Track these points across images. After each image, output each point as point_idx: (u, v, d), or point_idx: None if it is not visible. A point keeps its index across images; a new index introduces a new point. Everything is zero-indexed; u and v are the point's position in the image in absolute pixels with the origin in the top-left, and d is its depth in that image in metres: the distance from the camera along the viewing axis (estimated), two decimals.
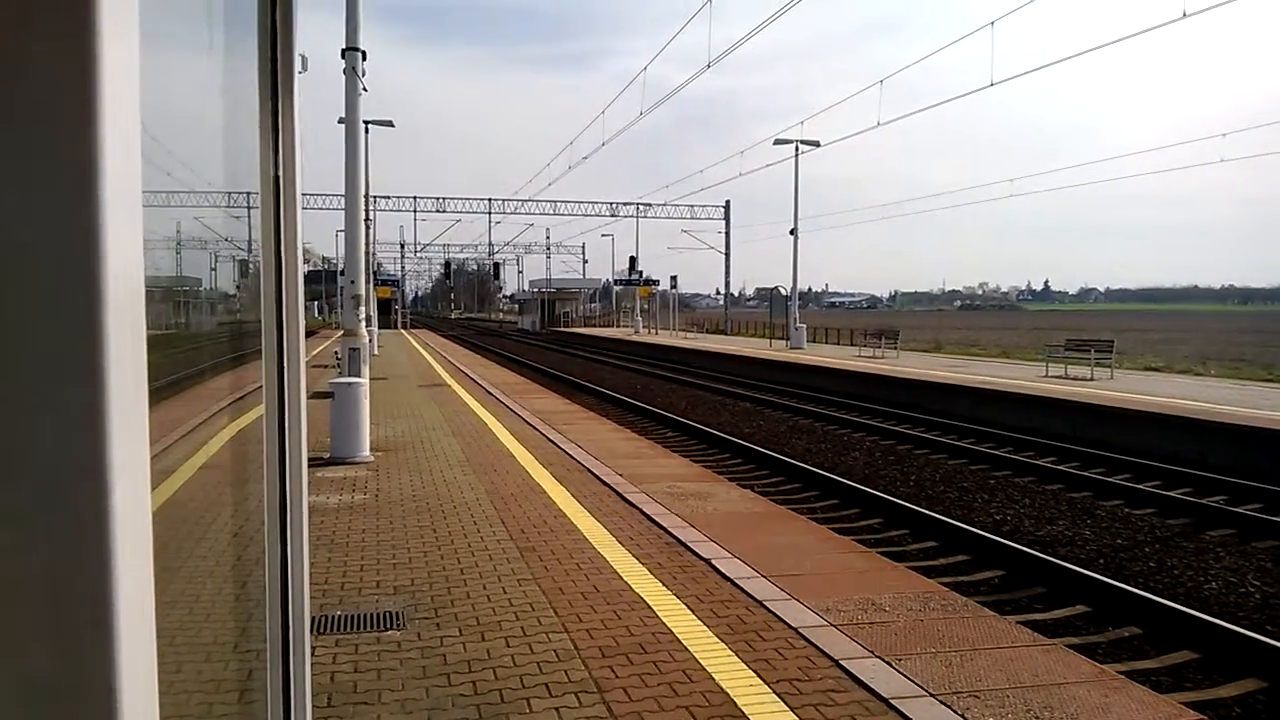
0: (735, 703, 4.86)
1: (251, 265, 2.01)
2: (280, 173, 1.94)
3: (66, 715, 0.70)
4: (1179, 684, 7.15)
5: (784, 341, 45.09)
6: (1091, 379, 24.77)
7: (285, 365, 1.95)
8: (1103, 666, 5.78)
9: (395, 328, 70.90)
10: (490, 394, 21.42)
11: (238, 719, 2.64)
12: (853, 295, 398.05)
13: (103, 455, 0.70)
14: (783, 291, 48.80)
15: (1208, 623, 7.90)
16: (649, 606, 6.37)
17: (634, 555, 7.62)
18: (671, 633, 5.87)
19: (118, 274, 0.71)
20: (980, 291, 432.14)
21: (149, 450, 0.79)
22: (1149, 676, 7.09)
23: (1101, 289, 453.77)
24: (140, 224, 0.77)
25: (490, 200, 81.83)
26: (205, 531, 2.58)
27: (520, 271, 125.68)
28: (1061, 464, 16.04)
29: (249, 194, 2.02)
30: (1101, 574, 9.43)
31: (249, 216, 2.02)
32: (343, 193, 15.14)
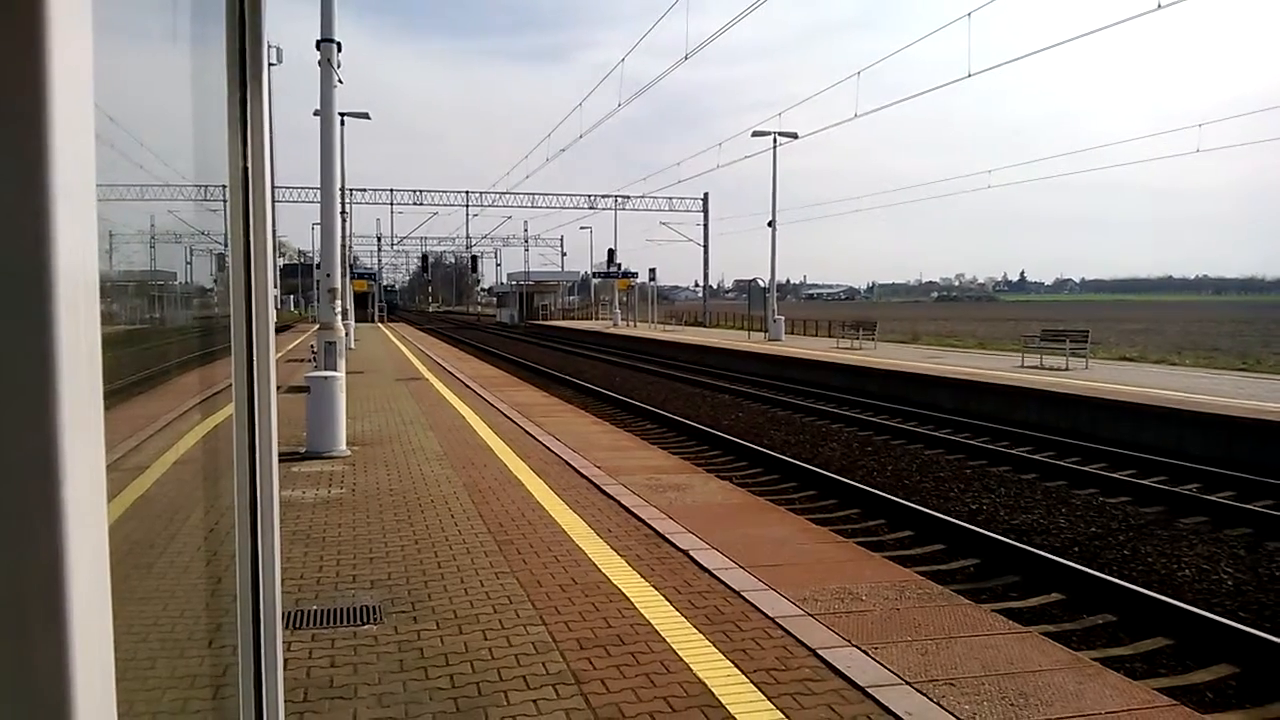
0: (713, 693, 4.88)
1: (228, 259, 1.99)
2: (250, 164, 1.93)
3: (19, 714, 0.70)
4: (1153, 670, 7.23)
5: (762, 333, 45.17)
6: (1067, 369, 24.96)
7: (255, 360, 1.93)
8: (1077, 654, 5.83)
9: (372, 321, 70.56)
10: (468, 387, 21.35)
11: (211, 715, 2.62)
12: (831, 287, 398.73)
13: (54, 454, 0.69)
14: (761, 283, 48.82)
15: (1181, 610, 7.99)
16: (627, 598, 6.38)
17: (612, 547, 7.62)
18: (649, 624, 5.88)
19: (69, 270, 0.70)
20: (957, 283, 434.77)
21: (104, 447, 0.78)
22: (1123, 663, 7.16)
23: (1077, 280, 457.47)
24: (94, 219, 0.76)
25: (468, 193, 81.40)
26: (179, 528, 2.57)
27: (498, 264, 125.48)
28: (1036, 453, 16.16)
29: (223, 187, 2.00)
30: (1076, 562, 9.51)
31: (225, 210, 2.00)
32: (318, 185, 15.04)
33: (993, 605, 7.85)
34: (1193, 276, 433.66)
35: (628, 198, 77.17)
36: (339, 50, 14.07)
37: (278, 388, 2.14)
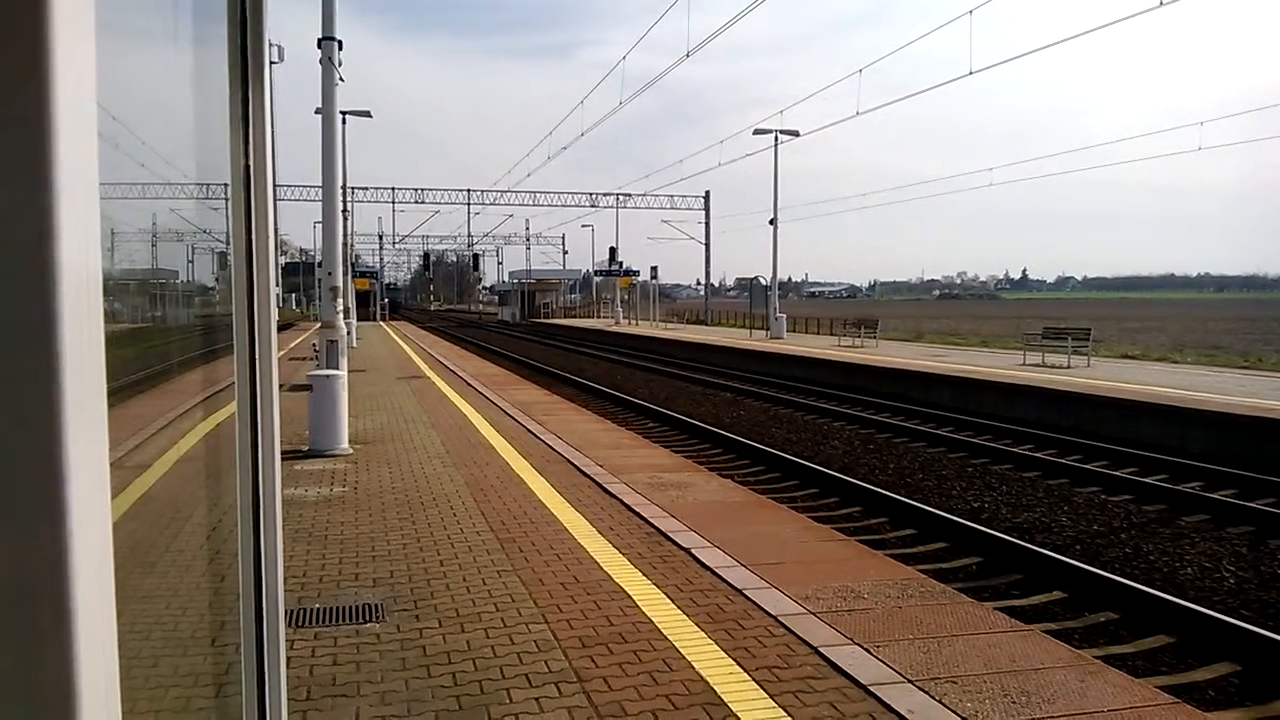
0: (715, 691, 4.88)
1: (230, 257, 1.99)
2: (251, 162, 1.92)
3: (25, 712, 0.70)
4: (1154, 668, 7.23)
5: (764, 331, 45.15)
6: (1069, 367, 24.94)
7: (257, 358, 1.93)
8: (1079, 651, 5.83)
9: (374, 320, 70.59)
10: (470, 386, 21.36)
11: (214, 713, 2.62)
12: (832, 285, 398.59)
13: (57, 452, 0.69)
14: (763, 281, 48.74)
15: (1183, 607, 7.98)
16: (629, 596, 6.38)
17: (614, 546, 7.63)
18: (651, 622, 5.88)
19: (73, 269, 0.70)
20: (959, 280, 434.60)
21: (107, 447, 0.78)
22: (1125, 661, 7.16)
23: (1079, 277, 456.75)
24: (97, 218, 0.76)
25: (469, 191, 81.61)
26: (182, 526, 2.57)
27: (500, 263, 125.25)
28: (1039, 451, 16.15)
29: (224, 185, 2.00)
30: (1078, 560, 9.51)
31: (227, 208, 2.00)
32: (320, 184, 15.04)
33: (995, 603, 7.85)
34: (1194, 274, 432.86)
35: (629, 196, 77.26)
36: (340, 48, 14.07)
37: (280, 386, 2.15)
